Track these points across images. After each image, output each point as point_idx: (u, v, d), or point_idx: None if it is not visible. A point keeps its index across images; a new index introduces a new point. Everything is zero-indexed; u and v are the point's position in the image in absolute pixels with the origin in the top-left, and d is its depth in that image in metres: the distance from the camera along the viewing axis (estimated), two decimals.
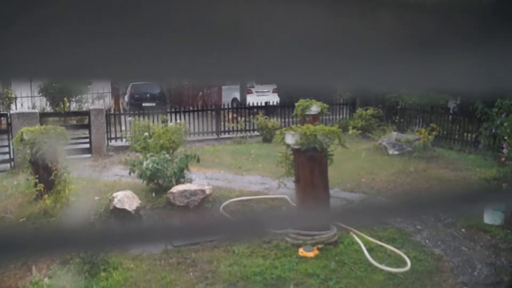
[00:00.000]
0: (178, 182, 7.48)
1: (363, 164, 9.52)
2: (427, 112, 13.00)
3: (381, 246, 5.49)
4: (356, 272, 4.99)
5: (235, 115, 14.44)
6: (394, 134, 11.32)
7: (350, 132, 12.10)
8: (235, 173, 9.24)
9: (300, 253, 5.28)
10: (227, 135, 13.78)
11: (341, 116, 15.02)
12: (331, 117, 13.71)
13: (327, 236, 5.47)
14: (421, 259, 5.29)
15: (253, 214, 6.74)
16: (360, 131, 12.37)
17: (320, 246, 5.38)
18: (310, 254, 5.23)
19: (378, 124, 13.04)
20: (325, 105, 11.40)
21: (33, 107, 16.36)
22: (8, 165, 10.40)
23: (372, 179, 8.58)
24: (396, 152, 10.46)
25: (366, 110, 13.38)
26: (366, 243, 5.51)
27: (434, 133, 10.73)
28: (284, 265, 5.08)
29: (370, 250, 5.35)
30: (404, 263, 5.12)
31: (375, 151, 10.85)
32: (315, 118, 10.79)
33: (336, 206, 5.97)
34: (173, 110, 13.73)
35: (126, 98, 20.37)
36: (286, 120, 13.76)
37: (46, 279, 4.93)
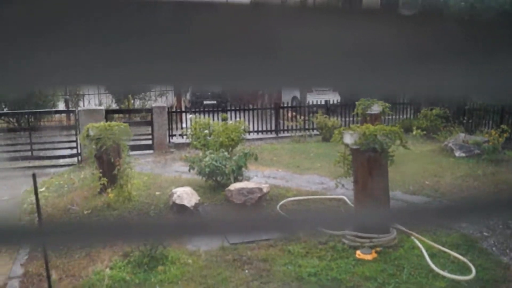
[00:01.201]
0: (236, 180, 7.59)
1: (427, 166, 9.27)
2: (497, 113, 12.46)
3: (444, 252, 5.33)
4: (416, 277, 4.87)
5: (294, 113, 14.44)
6: (461, 135, 10.94)
7: (414, 132, 11.80)
8: (293, 172, 9.26)
9: (357, 256, 5.22)
10: (286, 134, 13.79)
11: (404, 116, 14.67)
12: (393, 117, 13.44)
13: (386, 239, 5.38)
14: (487, 267, 5.09)
15: (309, 213, 6.72)
16: (424, 132, 12.03)
17: (378, 249, 5.30)
18: (368, 257, 5.17)
19: (444, 124, 12.63)
20: (387, 104, 11.19)
21: (100, 104, 17.05)
22: (75, 159, 10.92)
23: (437, 181, 8.34)
24: (463, 154, 10.11)
25: (431, 110, 13.00)
26: (427, 248, 5.37)
27: (504, 135, 10.22)
28: (340, 267, 5.05)
29: (432, 256, 5.21)
30: (468, 271, 4.95)
31: (440, 152, 10.54)
32: (376, 118, 10.60)
33: (396, 208, 5.85)
34: (233, 108, 13.91)
35: (188, 95, 20.79)
36: (347, 119, 13.61)
37: (107, 270, 5.15)
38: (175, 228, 0.70)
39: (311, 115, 13.95)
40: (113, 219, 6.46)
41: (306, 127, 13.81)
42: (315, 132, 13.34)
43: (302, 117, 13.98)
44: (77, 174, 9.46)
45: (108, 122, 8.27)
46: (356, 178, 5.56)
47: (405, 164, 8.17)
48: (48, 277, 4.43)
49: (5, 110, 15.56)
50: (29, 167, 10.20)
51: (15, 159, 10.68)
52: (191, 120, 10.89)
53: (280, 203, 7.04)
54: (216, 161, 7.67)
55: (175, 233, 0.76)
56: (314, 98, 15.13)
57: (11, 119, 14.75)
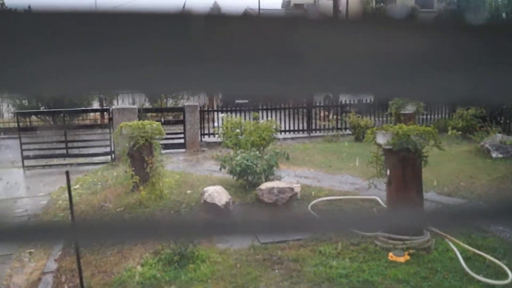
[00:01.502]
0: (267, 179, 7.60)
1: (462, 167, 9.08)
2: None
3: (480, 255, 5.20)
4: (450, 281, 4.78)
5: (327, 113, 14.36)
6: (499, 135, 10.67)
7: (449, 133, 11.56)
8: (325, 172, 9.20)
9: (389, 258, 5.15)
10: (318, 133, 13.74)
11: (439, 116, 14.41)
12: (428, 116, 13.19)
13: (419, 242, 5.30)
14: None
15: (341, 214, 6.67)
16: (460, 132, 11.78)
17: (411, 251, 5.22)
18: (401, 259, 5.09)
19: (480, 124, 12.34)
20: (421, 104, 10.99)
21: (133, 103, 17.32)
22: (109, 157, 11.12)
23: (472, 183, 8.16)
24: (501, 155, 9.86)
25: (467, 109, 12.72)
26: (462, 251, 5.25)
27: None
28: (372, 269, 4.99)
29: (466, 259, 5.09)
30: (504, 275, 4.83)
31: (477, 153, 10.30)
32: (410, 117, 10.45)
33: (430, 210, 5.75)
34: (265, 107, 13.93)
35: (220, 95, 20.92)
36: (380, 119, 13.45)
37: (138, 267, 5.23)
38: (206, 227, 0.71)
39: (343, 114, 13.85)
40: (144, 217, 6.56)
41: (339, 126, 13.72)
42: (348, 131, 13.24)
43: (335, 117, 13.89)
44: (110, 172, 9.64)
45: (141, 121, 8.40)
46: (389, 179, 5.49)
47: (439, 165, 8.03)
48: (80, 273, 4.53)
49: (42, 109, 15.97)
50: (64, 165, 10.45)
51: (51, 156, 10.95)
52: (222, 119, 10.95)
53: (312, 203, 7.01)
54: (247, 160, 7.69)
55: (205, 232, 0.77)
56: (347, 98, 15.02)
57: (47, 117, 15.14)
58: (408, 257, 5.13)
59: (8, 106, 17.24)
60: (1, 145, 12.86)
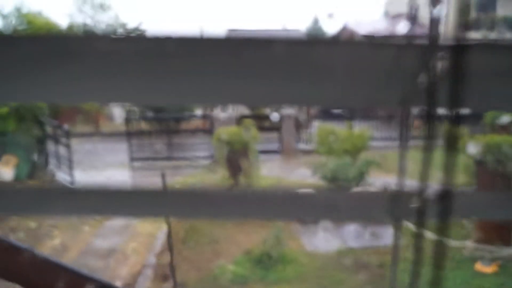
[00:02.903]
0: (358, 186, 7.75)
1: None
2: None
3: None
4: None
5: (421, 122, 14.05)
6: None
7: None
8: (415, 179, 9.08)
9: (476, 268, 5.12)
10: (411, 142, 13.45)
11: None
12: None
13: (508, 253, 5.20)
14: None
15: None
16: None
17: (499, 262, 5.14)
18: (488, 270, 5.04)
19: None
20: None
21: (232, 110, 18.05)
22: (208, 161, 11.81)
23: None
24: None
25: None
26: None
27: None
28: (457, 278, 5.00)
29: None
30: None
31: None
32: (504, 129, 10.01)
33: None
34: (359, 115, 13.94)
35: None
36: (475, 128, 12.96)
37: (230, 265, 5.66)
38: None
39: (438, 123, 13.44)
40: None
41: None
42: (441, 140, 12.86)
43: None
44: (209, 175, 10.27)
45: (237, 127, 8.90)
46: (479, 189, 5.45)
47: None
48: (172, 267, 5.04)
49: (149, 115, 17.20)
50: (167, 167, 11.29)
51: (156, 159, 11.86)
52: (317, 127, 11.22)
53: None
54: (339, 167, 7.91)
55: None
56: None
57: (153, 122, 16.30)
58: (496, 268, 5.07)
59: (119, 111, 18.76)
60: (112, 148, 14.12)
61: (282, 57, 0.56)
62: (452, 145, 0.54)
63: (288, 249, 5.81)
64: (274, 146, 12.57)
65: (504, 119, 10.30)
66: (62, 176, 9.94)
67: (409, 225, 0.70)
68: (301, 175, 9.82)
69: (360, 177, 7.91)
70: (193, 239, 6.54)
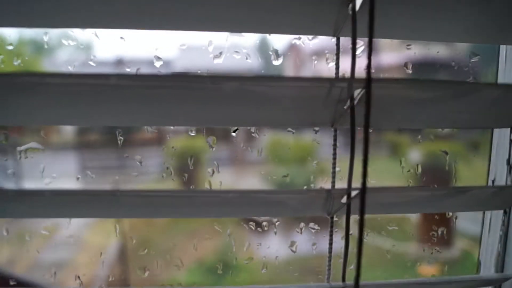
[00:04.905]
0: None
1: None
2: None
3: None
4: None
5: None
6: None
7: None
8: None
9: (419, 270, 5.34)
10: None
11: None
12: None
13: (450, 254, 5.46)
14: None
15: None
16: None
17: (442, 263, 5.39)
18: (431, 271, 5.27)
19: None
20: None
21: None
22: (160, 171, 11.69)
23: None
24: None
25: None
26: None
27: None
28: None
29: None
30: None
31: None
32: (444, 138, 10.38)
33: None
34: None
35: None
36: (417, 137, 13.33)
37: (182, 274, 5.70)
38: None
39: None
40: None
41: None
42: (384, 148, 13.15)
43: None
44: (161, 185, 10.18)
45: (191, 136, 8.86)
46: None
47: None
48: (124, 278, 5.03)
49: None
50: (118, 177, 11.09)
51: (108, 168, 11.63)
52: (267, 137, 11.34)
53: None
54: (289, 174, 8.08)
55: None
56: None
57: (103, 132, 15.95)
58: (438, 270, 5.29)
59: None
60: (63, 157, 13.70)
61: (231, 91, 0.63)
62: (366, 151, 0.69)
63: (240, 256, 5.89)
64: (226, 155, 12.62)
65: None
66: (9, 187, 9.47)
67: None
68: (252, 183, 9.92)
69: (309, 182, 8.10)
70: (144, 249, 6.48)
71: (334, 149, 0.87)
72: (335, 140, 0.88)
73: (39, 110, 0.64)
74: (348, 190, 0.75)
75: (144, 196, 0.74)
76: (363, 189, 0.66)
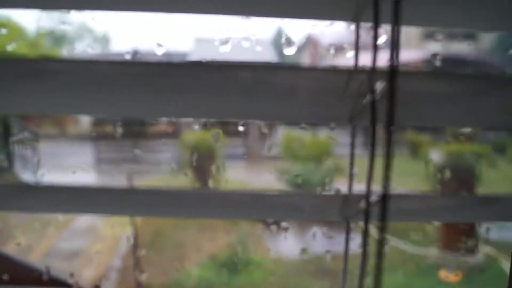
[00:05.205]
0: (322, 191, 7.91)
1: None
2: None
3: None
4: None
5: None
6: None
7: None
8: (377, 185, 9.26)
9: (441, 276, 5.26)
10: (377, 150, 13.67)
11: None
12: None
13: (473, 261, 5.40)
14: None
15: None
16: None
17: (464, 271, 5.33)
18: (452, 278, 5.19)
19: None
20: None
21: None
22: (174, 165, 11.72)
23: None
24: None
25: None
26: None
27: None
28: (420, 286, 5.13)
29: None
30: None
31: None
32: (468, 138, 10.28)
33: None
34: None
35: None
36: (439, 137, 13.24)
37: (195, 270, 5.69)
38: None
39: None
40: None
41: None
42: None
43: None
44: (175, 180, 10.24)
45: (204, 131, 8.91)
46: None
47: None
48: (136, 271, 5.06)
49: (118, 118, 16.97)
50: (133, 170, 11.15)
51: (121, 162, 11.71)
52: (282, 133, 11.36)
53: None
54: (303, 172, 8.07)
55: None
56: None
57: (119, 125, 16.08)
58: (460, 277, 5.20)
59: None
60: (79, 150, 13.88)
61: (247, 80, 0.62)
62: (389, 152, 0.64)
63: (254, 254, 5.88)
64: (240, 151, 12.61)
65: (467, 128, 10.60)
66: (27, 178, 9.67)
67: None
68: (266, 181, 9.91)
69: (324, 182, 8.08)
70: (158, 243, 6.52)
71: (352, 148, 0.82)
72: (353, 138, 0.83)
73: (55, 98, 0.66)
74: (366, 195, 0.69)
75: (157, 194, 0.78)
76: (385, 195, 0.62)
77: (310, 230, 6.54)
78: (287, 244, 6.54)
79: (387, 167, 0.61)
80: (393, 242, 6.40)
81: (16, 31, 11.65)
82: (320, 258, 6.21)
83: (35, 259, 6.45)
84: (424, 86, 0.67)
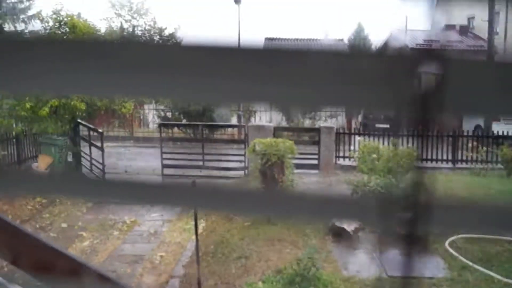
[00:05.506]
0: None
1: None
2: None
3: None
4: None
5: (476, 143, 13.45)
6: None
7: None
8: None
9: None
10: (464, 165, 12.93)
11: None
12: None
13: None
14: None
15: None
16: None
17: None
18: None
19: None
20: None
21: (270, 121, 17.85)
22: (242, 172, 11.57)
23: None
24: None
25: None
26: None
27: None
28: None
29: None
30: None
31: None
32: None
33: None
34: (406, 133, 13.46)
35: (360, 118, 20.70)
36: None
37: (260, 283, 5.39)
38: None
39: (495, 146, 12.87)
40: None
41: (489, 159, 12.76)
42: (499, 165, 12.26)
43: (485, 148, 12.95)
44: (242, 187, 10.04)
45: (274, 139, 8.65)
46: None
47: None
48: (199, 280, 4.84)
49: (184, 122, 17.18)
50: (199, 176, 11.10)
51: (188, 167, 11.69)
52: (359, 143, 10.87)
53: (450, 239, 6.62)
54: (381, 187, 7.54)
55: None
56: (501, 128, 13.99)
57: (187, 130, 16.23)
58: None
59: (153, 117, 18.84)
60: (145, 153, 14.08)
61: (311, 66, 0.60)
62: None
63: (323, 271, 5.49)
64: (312, 160, 12.23)
65: None
66: (91, 175, 10.05)
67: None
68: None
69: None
70: (222, 253, 6.32)
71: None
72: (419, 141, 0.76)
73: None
74: (413, 200, 0.63)
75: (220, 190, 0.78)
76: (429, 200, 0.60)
77: (388, 251, 6.10)
78: (360, 262, 6.10)
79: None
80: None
81: (87, 29, 11.99)
82: (395, 280, 5.73)
83: (99, 261, 6.42)
84: (479, 75, 0.59)
